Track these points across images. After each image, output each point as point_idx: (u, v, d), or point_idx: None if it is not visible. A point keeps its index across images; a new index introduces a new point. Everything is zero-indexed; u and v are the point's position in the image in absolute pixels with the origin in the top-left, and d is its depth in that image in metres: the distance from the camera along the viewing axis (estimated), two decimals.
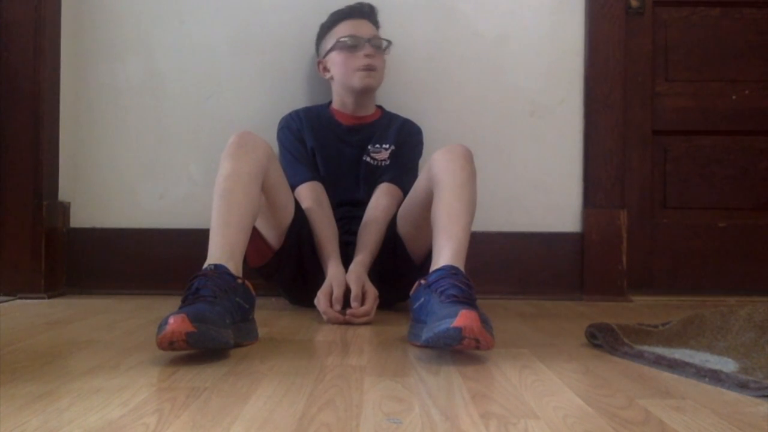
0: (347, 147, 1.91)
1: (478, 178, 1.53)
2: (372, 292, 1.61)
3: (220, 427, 0.79)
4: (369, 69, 1.86)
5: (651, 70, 2.18)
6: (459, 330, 1.12)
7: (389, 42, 1.94)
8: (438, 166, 1.52)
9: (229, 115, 2.09)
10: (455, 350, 1.20)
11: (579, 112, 2.12)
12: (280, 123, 1.94)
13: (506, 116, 2.12)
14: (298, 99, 2.07)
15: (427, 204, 1.55)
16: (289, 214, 1.68)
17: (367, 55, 1.86)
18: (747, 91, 2.17)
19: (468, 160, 1.52)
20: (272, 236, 1.68)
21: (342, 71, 1.88)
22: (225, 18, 2.11)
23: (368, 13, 1.95)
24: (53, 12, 2.02)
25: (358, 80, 1.87)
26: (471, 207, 1.47)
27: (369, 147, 1.90)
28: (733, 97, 2.17)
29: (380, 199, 1.81)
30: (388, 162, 1.89)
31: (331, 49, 1.90)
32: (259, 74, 2.11)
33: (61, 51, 2.05)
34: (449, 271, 1.30)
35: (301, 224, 1.72)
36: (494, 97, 2.12)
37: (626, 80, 2.13)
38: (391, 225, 1.78)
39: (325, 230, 1.74)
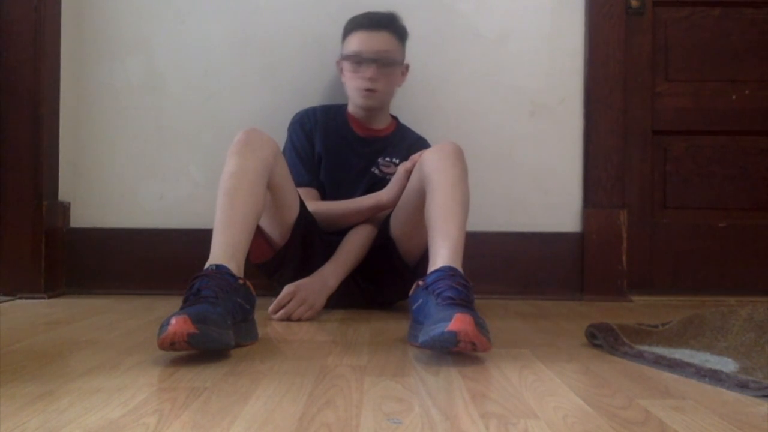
0: (356, 157, 1.88)
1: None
2: (310, 305, 1.64)
3: (220, 427, 0.79)
4: (368, 90, 1.81)
5: (651, 70, 2.18)
6: (454, 334, 1.12)
7: (399, 61, 1.86)
8: (429, 165, 1.52)
9: (229, 115, 2.09)
10: (453, 352, 1.20)
11: (579, 112, 2.12)
12: (294, 117, 1.92)
13: (506, 116, 2.12)
14: (298, 99, 2.06)
15: (420, 204, 1.55)
16: (294, 212, 1.67)
17: (363, 77, 1.80)
18: (747, 91, 2.17)
19: (459, 157, 1.51)
20: (276, 234, 1.68)
21: (348, 85, 1.86)
22: (225, 18, 2.11)
23: (385, 24, 1.84)
24: (53, 12, 2.02)
25: (359, 99, 1.84)
26: (465, 205, 1.47)
27: (379, 159, 1.88)
28: (733, 97, 2.17)
29: None
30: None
31: (342, 59, 1.86)
32: (259, 74, 2.11)
33: (61, 51, 2.05)
34: (447, 272, 1.29)
35: (305, 222, 1.72)
36: (494, 97, 2.12)
37: (626, 80, 2.12)
38: (384, 228, 1.78)
39: None
